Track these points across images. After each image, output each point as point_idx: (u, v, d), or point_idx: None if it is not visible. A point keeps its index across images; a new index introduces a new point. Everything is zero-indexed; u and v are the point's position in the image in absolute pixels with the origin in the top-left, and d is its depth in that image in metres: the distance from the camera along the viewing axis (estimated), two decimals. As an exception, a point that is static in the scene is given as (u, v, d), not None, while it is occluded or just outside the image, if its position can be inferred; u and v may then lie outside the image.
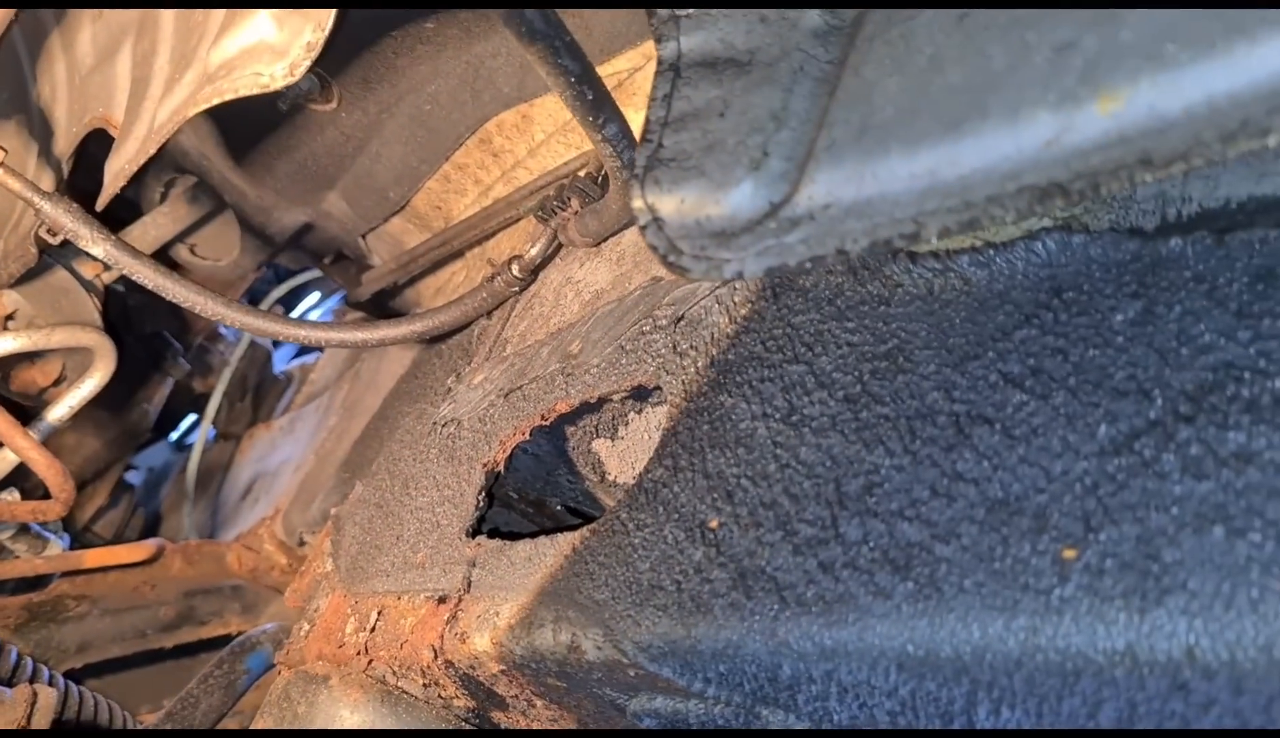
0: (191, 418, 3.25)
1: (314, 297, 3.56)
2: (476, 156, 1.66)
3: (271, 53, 1.03)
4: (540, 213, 1.43)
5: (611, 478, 1.32)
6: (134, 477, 3.03)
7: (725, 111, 0.77)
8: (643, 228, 0.76)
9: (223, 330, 2.98)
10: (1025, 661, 0.61)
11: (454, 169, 1.71)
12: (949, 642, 0.64)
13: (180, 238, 2.18)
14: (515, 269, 1.44)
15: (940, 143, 0.62)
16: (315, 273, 2.92)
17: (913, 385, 0.78)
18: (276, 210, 2.07)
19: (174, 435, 3.39)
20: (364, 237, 2.15)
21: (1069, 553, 0.61)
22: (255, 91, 1.04)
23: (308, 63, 1.00)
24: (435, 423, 1.43)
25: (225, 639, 2.10)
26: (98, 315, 1.89)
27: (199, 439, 2.66)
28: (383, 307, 2.19)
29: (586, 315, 1.25)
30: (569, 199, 1.38)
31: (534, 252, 1.43)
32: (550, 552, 1.00)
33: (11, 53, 1.66)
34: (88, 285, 1.91)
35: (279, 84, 1.01)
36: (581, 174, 1.44)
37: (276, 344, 3.21)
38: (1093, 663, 0.58)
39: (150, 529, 2.75)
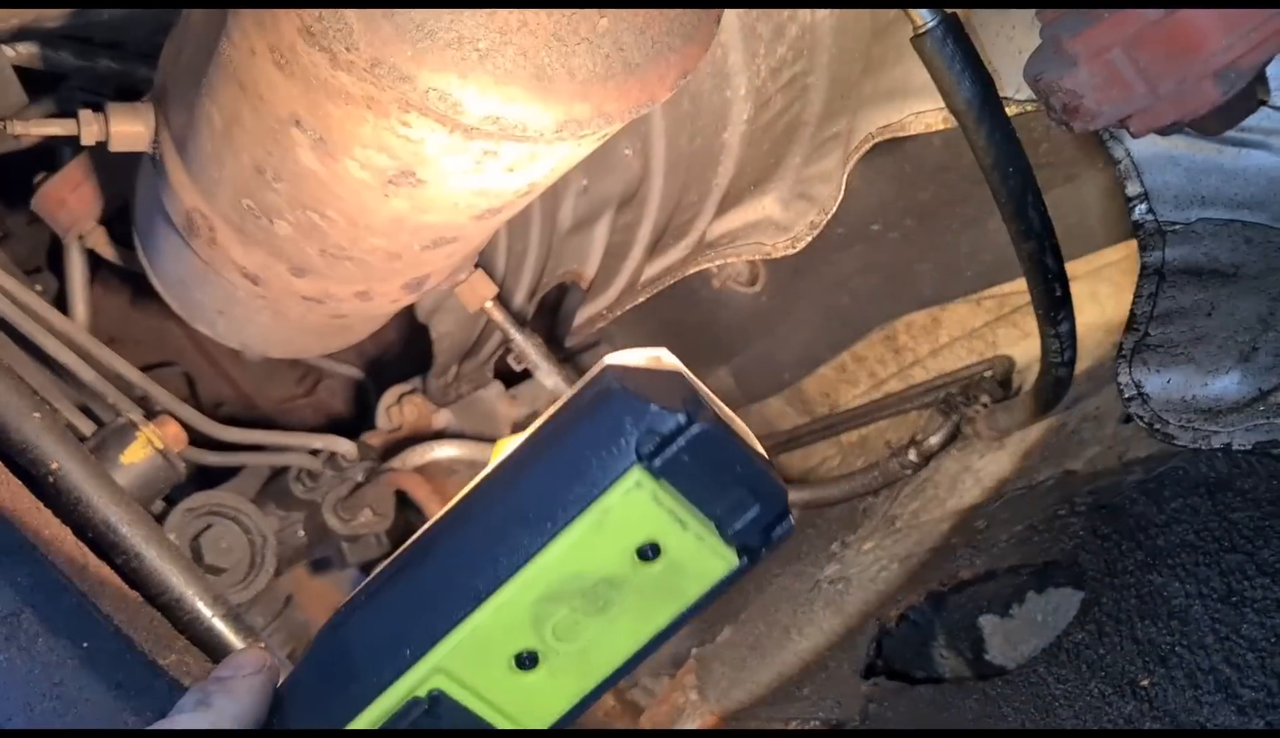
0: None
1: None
2: (878, 350, 1.82)
3: (775, 228, 1.24)
4: (943, 406, 1.56)
5: (990, 657, 1.38)
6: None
7: (1212, 312, 0.88)
8: (1127, 400, 0.88)
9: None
10: None
11: (852, 359, 1.87)
12: None
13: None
14: (913, 454, 1.57)
15: None
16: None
17: (1370, 582, 0.84)
18: (665, 377, 2.30)
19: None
20: (732, 413, 2.35)
21: None
22: (756, 257, 1.24)
23: (809, 239, 1.20)
24: (819, 581, 1.55)
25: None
26: (509, 441, 2.17)
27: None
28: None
29: (990, 498, 1.35)
30: (977, 396, 1.50)
31: (934, 440, 1.55)
32: (959, 696, 1.09)
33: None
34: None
35: (779, 253, 1.22)
36: (987, 375, 1.57)
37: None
38: None
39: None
